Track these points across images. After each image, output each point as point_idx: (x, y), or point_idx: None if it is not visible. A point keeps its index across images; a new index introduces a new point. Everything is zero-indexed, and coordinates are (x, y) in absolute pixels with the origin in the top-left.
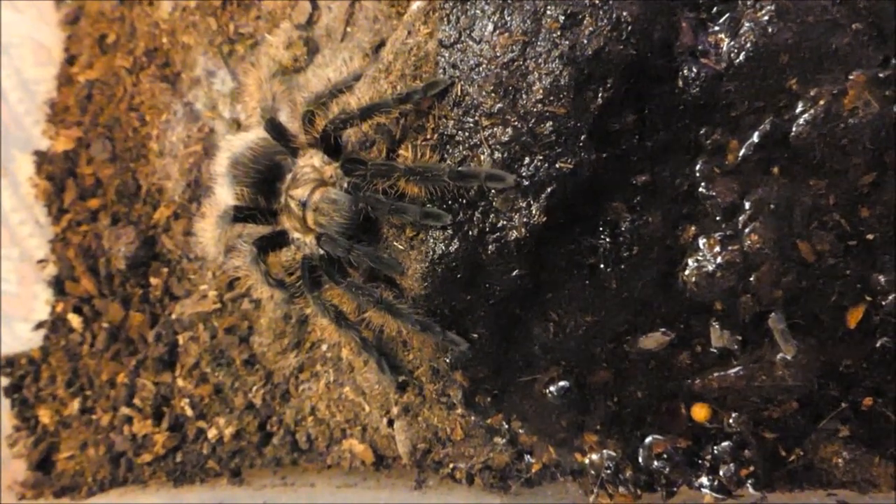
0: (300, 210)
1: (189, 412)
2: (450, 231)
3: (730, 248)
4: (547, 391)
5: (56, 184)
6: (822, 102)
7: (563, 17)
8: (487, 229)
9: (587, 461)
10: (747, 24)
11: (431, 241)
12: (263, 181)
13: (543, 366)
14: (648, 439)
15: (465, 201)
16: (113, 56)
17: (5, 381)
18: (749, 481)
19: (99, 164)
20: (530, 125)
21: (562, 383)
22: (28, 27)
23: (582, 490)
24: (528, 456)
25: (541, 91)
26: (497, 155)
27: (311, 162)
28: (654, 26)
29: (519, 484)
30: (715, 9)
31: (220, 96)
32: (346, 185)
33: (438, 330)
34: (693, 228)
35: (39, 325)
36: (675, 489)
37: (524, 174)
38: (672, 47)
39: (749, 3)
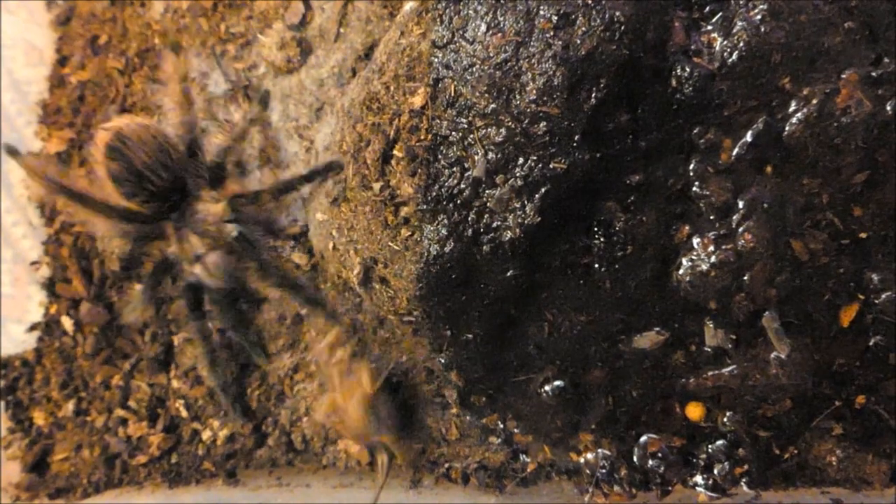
0: (192, 259)
1: (184, 413)
2: (444, 232)
3: (724, 247)
4: (542, 391)
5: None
6: (814, 101)
7: (555, 18)
8: (482, 230)
9: (582, 460)
10: (740, 24)
11: (426, 241)
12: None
13: (538, 365)
14: (643, 438)
15: (459, 202)
16: (105, 57)
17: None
18: (743, 480)
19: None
20: (524, 125)
21: (557, 383)
22: (19, 28)
23: (577, 489)
24: (524, 455)
25: (534, 91)
26: (491, 155)
27: (210, 206)
28: (646, 26)
29: (514, 483)
30: (707, 8)
31: (214, 97)
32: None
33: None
34: (687, 228)
35: (33, 327)
36: (669, 488)
37: (518, 174)
38: (665, 47)
39: (741, 2)
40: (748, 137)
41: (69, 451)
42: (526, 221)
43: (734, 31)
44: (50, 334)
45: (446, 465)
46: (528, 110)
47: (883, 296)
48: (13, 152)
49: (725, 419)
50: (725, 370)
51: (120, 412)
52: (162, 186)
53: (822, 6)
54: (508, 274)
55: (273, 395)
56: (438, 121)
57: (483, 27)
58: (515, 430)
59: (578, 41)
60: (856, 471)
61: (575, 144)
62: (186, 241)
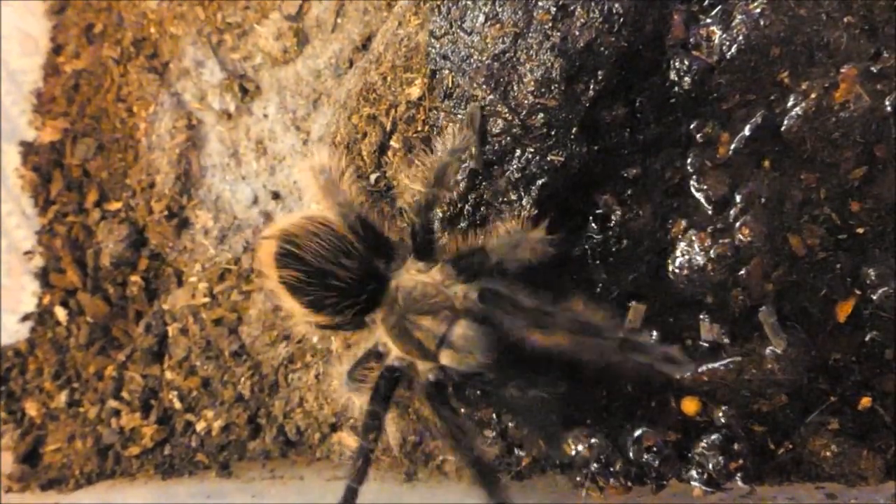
0: (434, 346)
1: (177, 405)
2: (440, 224)
3: (721, 241)
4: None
5: (42, 175)
6: (813, 96)
7: (554, 9)
8: (478, 222)
9: (577, 454)
10: (739, 17)
11: None
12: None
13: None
14: (638, 432)
15: (456, 194)
16: (100, 46)
17: None
18: (738, 474)
19: (86, 155)
20: (521, 117)
21: (552, 376)
22: (14, 17)
23: (572, 483)
24: (518, 449)
25: (532, 83)
26: (488, 147)
27: (424, 278)
28: (645, 18)
29: (509, 477)
30: (707, 1)
31: (210, 87)
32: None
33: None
34: (684, 222)
35: (26, 318)
36: (664, 482)
37: (515, 167)
38: (664, 40)
39: None
40: (746, 131)
41: (62, 441)
42: (522, 214)
43: (733, 24)
44: (43, 324)
45: (441, 459)
46: (526, 102)
47: (880, 291)
48: None
49: (721, 414)
50: (721, 364)
51: (113, 403)
52: (349, 277)
53: (822, 0)
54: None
55: (266, 385)
56: (435, 112)
57: (481, 18)
58: (510, 424)
59: (577, 33)
60: (851, 466)
61: (572, 137)
62: (416, 330)
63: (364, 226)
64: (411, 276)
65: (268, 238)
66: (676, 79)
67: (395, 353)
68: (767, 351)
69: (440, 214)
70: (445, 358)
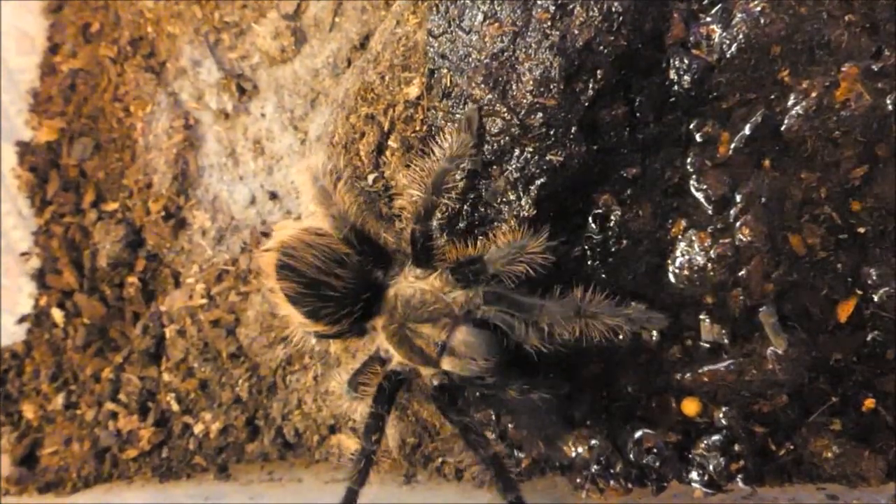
0: (436, 353)
1: (175, 407)
2: (438, 224)
3: (721, 241)
4: None
5: (39, 175)
6: (813, 94)
7: (553, 8)
8: (476, 222)
9: (577, 456)
10: (739, 16)
11: None
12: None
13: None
14: (638, 433)
15: (454, 194)
16: (97, 45)
17: None
18: (739, 476)
19: (83, 155)
20: (520, 117)
21: (551, 377)
22: (11, 15)
23: (572, 485)
24: (518, 451)
25: (531, 82)
26: (486, 147)
27: (423, 285)
28: (645, 17)
29: None
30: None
31: (207, 86)
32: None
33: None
34: (683, 222)
35: (22, 319)
36: (665, 484)
37: (514, 167)
38: (663, 39)
39: None
40: (746, 131)
41: (59, 444)
42: (521, 214)
43: (733, 22)
44: (40, 326)
45: (440, 461)
46: (525, 101)
47: (881, 291)
48: None
49: (721, 414)
50: (721, 365)
51: (110, 405)
52: (344, 287)
53: None
54: None
55: (264, 387)
56: (434, 111)
57: (480, 17)
58: (510, 425)
59: (576, 32)
60: (852, 467)
61: (571, 136)
62: (417, 338)
63: (359, 237)
64: (409, 284)
65: (268, 250)
66: (676, 78)
67: (397, 359)
68: (768, 351)
69: (439, 216)
70: (447, 364)
